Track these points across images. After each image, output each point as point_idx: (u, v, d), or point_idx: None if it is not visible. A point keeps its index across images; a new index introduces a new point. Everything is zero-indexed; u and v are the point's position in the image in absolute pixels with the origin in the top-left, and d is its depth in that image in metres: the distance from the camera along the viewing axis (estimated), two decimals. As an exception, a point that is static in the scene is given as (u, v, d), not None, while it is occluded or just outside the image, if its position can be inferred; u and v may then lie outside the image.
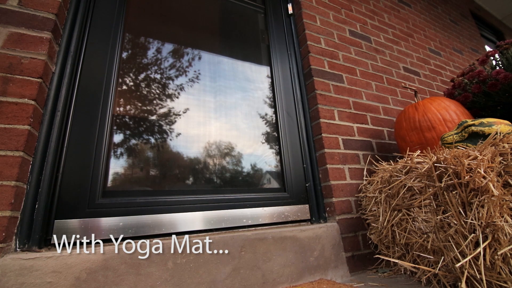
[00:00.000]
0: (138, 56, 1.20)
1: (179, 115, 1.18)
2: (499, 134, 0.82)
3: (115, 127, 1.03)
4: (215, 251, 0.92)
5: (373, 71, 1.76)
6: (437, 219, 0.83)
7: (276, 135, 1.35)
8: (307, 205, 1.26)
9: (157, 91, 1.19)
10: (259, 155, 1.30)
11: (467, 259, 0.68)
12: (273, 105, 1.40)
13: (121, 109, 1.09)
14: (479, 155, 0.78)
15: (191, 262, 0.88)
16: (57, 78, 0.94)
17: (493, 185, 0.71)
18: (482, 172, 0.75)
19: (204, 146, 1.19)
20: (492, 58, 1.17)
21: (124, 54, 1.16)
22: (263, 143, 1.34)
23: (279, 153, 1.31)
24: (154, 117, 1.14)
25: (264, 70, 1.50)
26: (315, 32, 1.58)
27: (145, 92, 1.16)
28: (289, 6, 1.66)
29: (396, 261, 0.76)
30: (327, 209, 1.26)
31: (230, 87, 1.37)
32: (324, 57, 1.55)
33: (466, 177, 0.75)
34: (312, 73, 1.45)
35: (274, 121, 1.38)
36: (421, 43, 2.28)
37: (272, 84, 1.44)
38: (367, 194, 1.21)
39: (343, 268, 1.14)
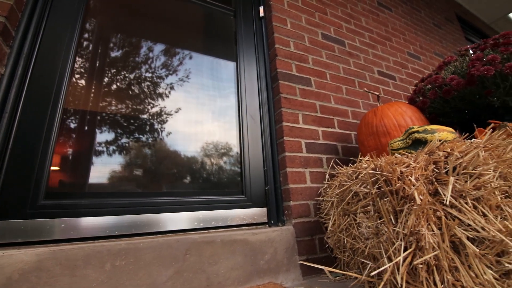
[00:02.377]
0: (93, 55, 1.20)
1: (135, 115, 1.19)
2: (437, 141, 0.83)
3: (63, 131, 1.04)
4: (158, 254, 0.92)
5: (344, 74, 1.76)
6: (372, 225, 0.83)
7: (237, 138, 1.35)
8: (265, 208, 1.26)
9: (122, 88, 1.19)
10: (218, 157, 1.31)
11: (384, 267, 0.68)
12: (237, 108, 1.40)
13: (72, 109, 1.09)
14: (412, 163, 0.79)
15: (130, 264, 0.88)
16: (6, 79, 0.94)
17: (419, 194, 0.71)
18: (413, 180, 0.75)
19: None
20: (449, 64, 1.17)
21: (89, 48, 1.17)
22: (223, 145, 1.34)
23: (239, 156, 1.32)
24: (108, 116, 1.14)
25: (231, 73, 1.50)
26: (284, 35, 1.59)
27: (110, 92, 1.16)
28: (261, 9, 1.66)
29: (321, 267, 0.76)
30: (285, 212, 1.26)
31: (193, 86, 1.38)
32: (293, 61, 1.55)
33: (397, 185, 0.75)
34: (278, 77, 1.45)
35: (236, 123, 1.38)
36: (399, 47, 2.28)
37: (237, 87, 1.44)
38: (325, 198, 1.21)
39: (296, 271, 1.14)
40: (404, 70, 2.18)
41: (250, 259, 1.06)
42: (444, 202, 0.69)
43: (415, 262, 0.65)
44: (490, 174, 0.70)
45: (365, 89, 1.44)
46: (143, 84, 1.26)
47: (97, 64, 1.19)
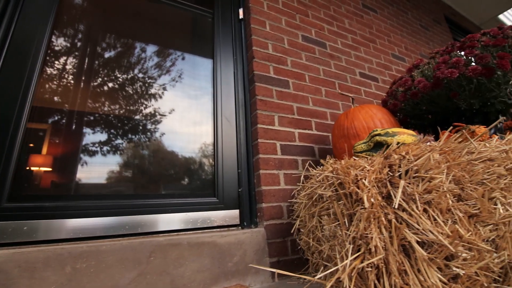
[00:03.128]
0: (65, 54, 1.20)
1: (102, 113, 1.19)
2: (394, 144, 0.83)
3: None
4: (121, 256, 0.92)
5: (324, 76, 1.77)
6: (330, 227, 0.83)
7: (212, 140, 1.36)
8: (238, 211, 1.26)
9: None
10: (190, 159, 1.31)
11: (331, 270, 0.69)
12: (213, 110, 1.41)
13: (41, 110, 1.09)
14: (367, 166, 0.79)
15: (92, 267, 0.88)
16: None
17: (370, 197, 0.72)
18: (366, 183, 0.76)
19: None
20: (418, 67, 1.18)
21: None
22: (197, 147, 1.35)
23: (213, 158, 1.32)
24: (78, 115, 1.14)
25: (209, 75, 1.51)
26: (262, 38, 1.59)
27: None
28: (241, 11, 1.67)
29: (275, 271, 0.76)
30: (258, 214, 1.26)
31: (170, 90, 1.38)
32: (270, 63, 1.55)
33: (351, 188, 0.76)
34: (254, 79, 1.46)
35: (211, 125, 1.39)
36: (383, 49, 2.29)
37: (213, 89, 1.44)
38: (297, 200, 1.21)
39: (265, 273, 1.14)
40: (387, 72, 2.19)
41: (217, 262, 1.07)
42: (393, 205, 0.70)
43: (359, 265, 0.66)
44: (440, 177, 0.70)
45: (339, 91, 1.45)
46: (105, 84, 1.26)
47: (69, 62, 1.20)
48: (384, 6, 2.58)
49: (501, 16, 3.92)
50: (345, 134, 1.21)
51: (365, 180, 0.76)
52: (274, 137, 1.39)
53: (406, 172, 0.74)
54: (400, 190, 0.71)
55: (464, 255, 0.66)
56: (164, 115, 1.31)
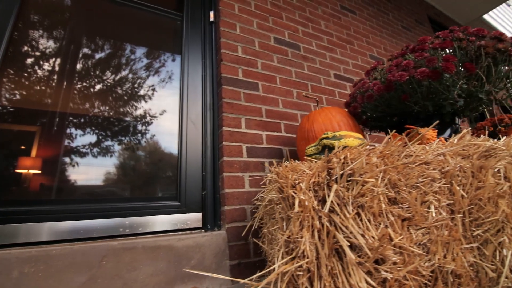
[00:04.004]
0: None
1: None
2: (336, 148, 0.84)
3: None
4: (71, 261, 0.93)
5: (297, 78, 1.77)
6: (273, 230, 0.84)
7: (178, 143, 1.36)
8: (201, 214, 1.27)
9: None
10: (153, 163, 1.31)
11: (262, 272, 0.69)
12: (179, 113, 1.41)
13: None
14: (306, 170, 0.80)
15: (40, 271, 0.88)
16: None
17: (303, 201, 0.72)
18: (303, 187, 0.76)
19: (90, 154, 1.19)
20: (375, 69, 1.19)
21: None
22: (162, 151, 1.35)
23: (177, 161, 1.32)
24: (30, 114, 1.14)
25: (177, 78, 1.51)
26: (232, 40, 1.60)
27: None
28: (211, 14, 1.67)
29: (211, 275, 0.76)
30: (222, 217, 1.27)
31: (136, 93, 1.38)
32: (239, 65, 1.56)
33: (288, 192, 0.76)
34: (221, 82, 1.46)
35: (177, 129, 1.39)
36: (361, 50, 2.29)
37: (180, 92, 1.45)
38: (259, 203, 1.22)
39: (225, 275, 1.15)
40: (364, 73, 2.19)
41: (174, 265, 1.07)
42: (323, 209, 0.70)
43: (286, 269, 0.66)
44: (372, 181, 0.71)
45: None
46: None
47: (30, 60, 1.20)
48: (363, 7, 2.59)
49: (486, 16, 3.94)
50: (306, 136, 1.22)
51: (302, 184, 0.77)
52: (240, 140, 1.39)
53: (342, 175, 0.75)
54: (332, 194, 0.71)
55: (393, 258, 0.67)
56: (127, 118, 1.32)
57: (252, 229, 1.20)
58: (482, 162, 0.73)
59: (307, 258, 0.70)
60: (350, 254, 0.68)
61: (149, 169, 1.30)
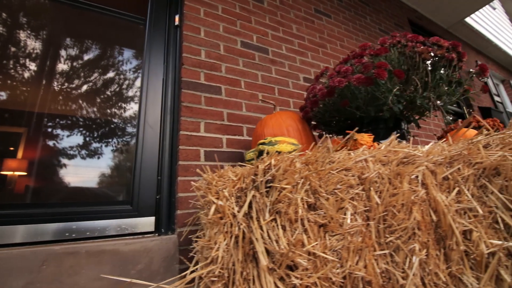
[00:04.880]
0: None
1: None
2: (265, 154, 0.84)
3: None
4: (10, 265, 0.93)
5: (263, 82, 1.78)
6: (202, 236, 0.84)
7: (134, 146, 1.36)
8: (154, 218, 1.27)
9: None
10: (108, 167, 1.31)
11: (172, 278, 0.69)
12: (138, 116, 1.41)
13: None
14: (231, 176, 0.80)
15: (-27, 277, 0.88)
16: None
17: (221, 207, 0.73)
18: (226, 194, 0.77)
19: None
20: (323, 74, 1.20)
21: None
22: (116, 154, 1.35)
23: (132, 165, 1.32)
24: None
25: (139, 81, 1.52)
26: (195, 44, 1.60)
27: None
28: (177, 18, 1.68)
29: (130, 280, 0.77)
30: (175, 221, 1.27)
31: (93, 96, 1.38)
32: (202, 69, 1.57)
33: (209, 198, 0.77)
34: (181, 85, 1.47)
35: (135, 132, 1.39)
36: (334, 53, 2.31)
37: (140, 95, 1.45)
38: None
39: (173, 280, 1.15)
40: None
41: (118, 269, 1.07)
42: (239, 215, 0.71)
43: (191, 276, 0.67)
44: (288, 187, 0.71)
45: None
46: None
47: (-20, 75, 1.20)
48: (340, 11, 2.61)
49: (468, 20, 3.97)
50: (257, 141, 1.22)
51: (225, 190, 0.77)
52: (198, 144, 1.40)
53: (267, 181, 0.75)
54: (247, 200, 0.72)
55: (304, 264, 0.67)
56: (82, 120, 1.32)
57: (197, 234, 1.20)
58: (400, 169, 0.74)
59: (225, 263, 0.71)
60: (262, 260, 0.68)
61: (102, 173, 1.30)
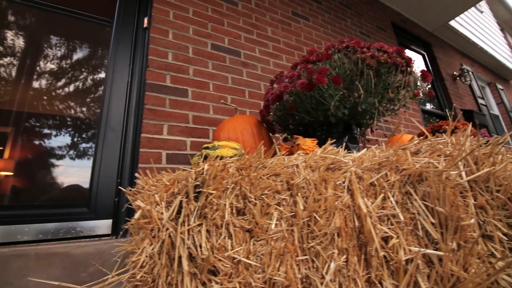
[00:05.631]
0: None
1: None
2: (201, 158, 0.85)
3: None
4: (-48, 269, 0.93)
5: (233, 85, 1.79)
6: (140, 241, 0.85)
7: (93, 149, 1.36)
8: (111, 220, 1.27)
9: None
10: (66, 169, 1.32)
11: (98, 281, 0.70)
12: (100, 118, 1.41)
13: None
14: (165, 181, 0.81)
15: None
16: None
17: (147, 211, 0.73)
18: (157, 199, 0.78)
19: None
20: (278, 78, 1.20)
21: None
22: (77, 156, 1.35)
23: (91, 167, 1.32)
24: None
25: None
26: (162, 47, 1.61)
27: None
28: (145, 20, 1.68)
29: (59, 284, 0.77)
30: (134, 223, 1.27)
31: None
32: (168, 72, 1.57)
33: (136, 203, 0.77)
34: (146, 88, 1.47)
35: (93, 133, 1.40)
36: (311, 56, 2.31)
37: (103, 98, 1.45)
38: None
39: (97, 282, 1.15)
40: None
41: (69, 272, 1.07)
42: (164, 220, 0.71)
43: (111, 280, 0.67)
44: (214, 192, 0.72)
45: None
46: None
47: None
48: (319, 14, 2.62)
49: (452, 23, 4.00)
50: (214, 144, 1.23)
51: (157, 195, 0.78)
52: (160, 146, 1.40)
53: (197, 186, 0.76)
54: (174, 204, 0.73)
55: (225, 269, 0.68)
56: (43, 120, 1.32)
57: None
58: (326, 174, 0.75)
59: (148, 269, 0.71)
60: (184, 265, 0.69)
61: (60, 174, 1.30)
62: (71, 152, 1.35)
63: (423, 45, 3.86)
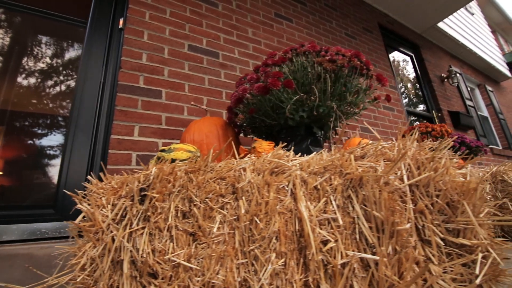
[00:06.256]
0: None
1: None
2: (155, 161, 0.85)
3: None
4: None
5: (210, 86, 1.79)
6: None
7: (62, 150, 1.36)
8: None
9: None
10: (32, 171, 1.32)
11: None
12: (69, 120, 1.41)
13: None
14: (114, 184, 0.81)
15: None
16: None
17: (89, 214, 0.74)
18: (104, 202, 0.78)
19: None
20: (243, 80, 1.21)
21: None
22: (46, 157, 1.35)
23: (59, 168, 1.32)
24: None
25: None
26: (137, 48, 1.61)
27: None
28: (121, 21, 1.68)
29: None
30: (101, 225, 1.27)
31: (23, 102, 1.38)
32: (141, 73, 1.57)
33: (81, 206, 0.78)
34: (118, 89, 1.47)
35: (62, 133, 1.40)
36: (292, 58, 2.32)
37: (73, 99, 1.45)
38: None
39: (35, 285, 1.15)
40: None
41: (31, 273, 1.07)
42: (106, 223, 0.72)
43: (50, 283, 0.67)
44: (157, 196, 0.73)
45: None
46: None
47: None
48: (303, 15, 2.62)
49: (441, 24, 4.01)
50: (180, 146, 1.23)
51: (103, 198, 0.78)
52: (130, 148, 1.40)
53: (142, 189, 0.77)
54: (117, 207, 0.73)
55: (162, 272, 0.69)
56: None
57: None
58: (270, 178, 0.75)
59: (90, 271, 0.72)
60: (124, 268, 0.70)
61: (26, 175, 1.30)
62: (40, 152, 1.35)
63: (411, 47, 3.87)
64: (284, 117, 1.04)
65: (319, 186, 0.76)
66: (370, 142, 0.83)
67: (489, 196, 1.62)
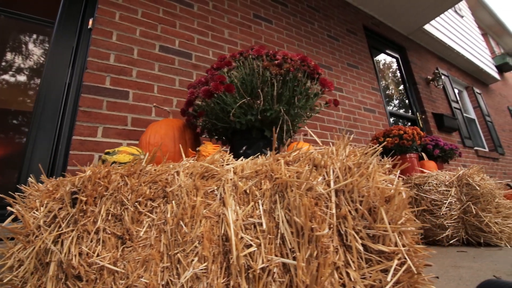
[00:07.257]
0: None
1: None
2: (100, 164, 0.86)
3: None
4: None
5: (181, 87, 1.79)
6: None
7: (23, 151, 1.36)
8: (36, 221, 1.27)
9: None
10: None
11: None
12: (32, 121, 1.41)
13: None
14: (50, 187, 0.82)
15: None
16: None
17: (21, 217, 0.74)
18: (37, 204, 0.78)
19: None
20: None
21: None
22: (6, 155, 1.35)
23: (19, 168, 1.33)
24: None
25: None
26: (104, 48, 1.61)
27: None
28: (90, 21, 1.68)
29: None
30: (60, 225, 1.28)
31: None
32: (108, 74, 1.57)
33: (14, 208, 0.78)
34: (82, 90, 1.47)
35: (23, 132, 1.40)
36: (270, 59, 2.32)
37: (36, 100, 1.45)
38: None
39: None
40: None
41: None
42: (32, 225, 0.72)
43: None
44: (84, 199, 0.73)
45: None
46: None
47: None
48: (283, 16, 2.63)
49: (428, 27, 4.02)
50: (140, 147, 1.24)
51: (37, 200, 0.79)
52: (92, 149, 1.41)
53: (72, 192, 0.77)
54: (46, 210, 0.73)
55: (85, 274, 0.69)
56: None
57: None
58: (200, 182, 0.76)
59: (14, 272, 0.72)
60: (50, 270, 0.70)
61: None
62: (3, 151, 1.35)
63: (397, 49, 3.88)
64: (231, 120, 1.05)
65: (248, 191, 0.77)
66: (306, 147, 0.84)
67: (454, 199, 1.63)
